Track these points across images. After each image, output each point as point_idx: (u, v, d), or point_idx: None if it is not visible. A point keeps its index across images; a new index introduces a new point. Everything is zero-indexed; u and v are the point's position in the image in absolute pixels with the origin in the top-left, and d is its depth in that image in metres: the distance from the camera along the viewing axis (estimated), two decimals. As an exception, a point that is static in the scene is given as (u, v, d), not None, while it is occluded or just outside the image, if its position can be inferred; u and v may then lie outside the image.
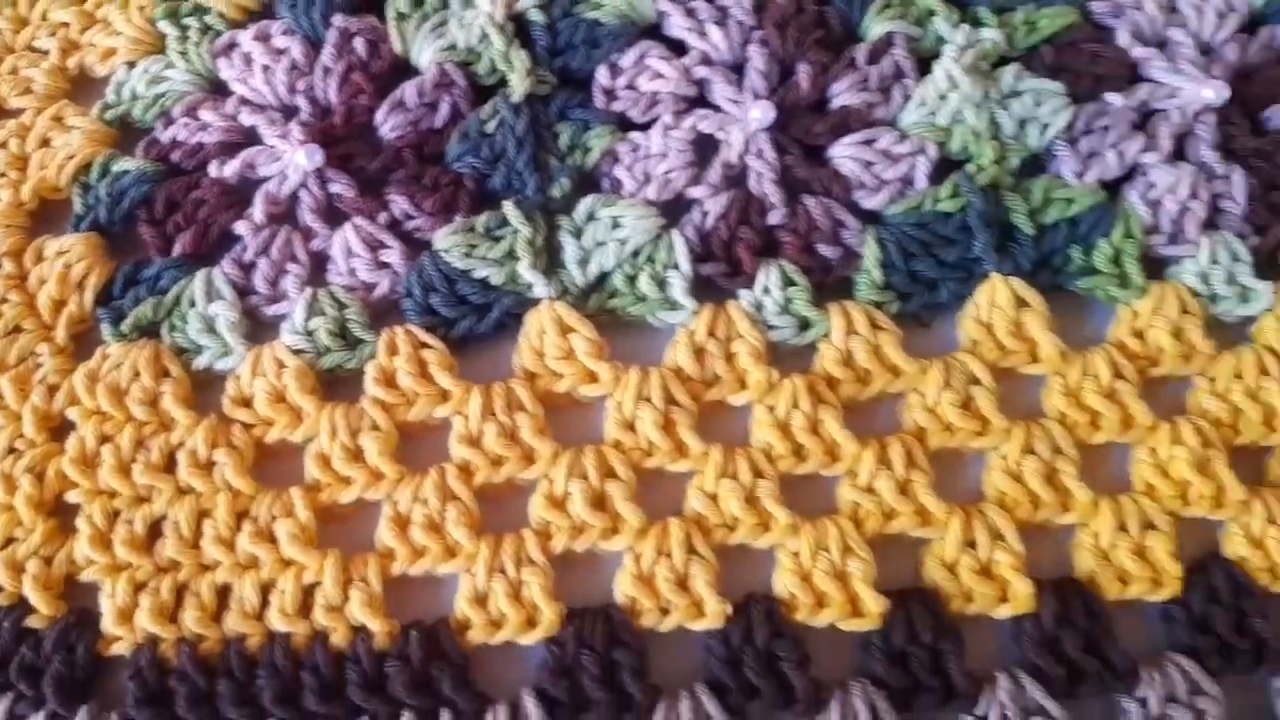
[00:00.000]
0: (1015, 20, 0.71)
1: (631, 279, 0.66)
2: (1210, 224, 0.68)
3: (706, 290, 0.67)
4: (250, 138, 0.69)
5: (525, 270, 0.65)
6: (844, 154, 0.68)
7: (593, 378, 0.64)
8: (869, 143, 0.68)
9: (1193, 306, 0.67)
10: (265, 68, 0.70)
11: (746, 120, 0.68)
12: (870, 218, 0.68)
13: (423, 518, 0.61)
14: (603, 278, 0.67)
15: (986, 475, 0.63)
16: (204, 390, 0.65)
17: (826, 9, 0.71)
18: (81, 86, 0.75)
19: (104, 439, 0.63)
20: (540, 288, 0.65)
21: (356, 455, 0.62)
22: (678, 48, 0.70)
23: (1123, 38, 0.71)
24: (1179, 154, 0.69)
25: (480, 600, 0.60)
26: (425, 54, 0.70)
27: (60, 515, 0.62)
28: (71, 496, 0.62)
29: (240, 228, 0.67)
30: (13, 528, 0.61)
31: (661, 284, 0.66)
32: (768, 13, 0.70)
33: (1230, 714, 0.59)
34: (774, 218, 0.67)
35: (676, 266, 0.66)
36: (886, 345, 0.65)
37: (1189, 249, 0.67)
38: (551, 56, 0.70)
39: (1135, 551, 0.61)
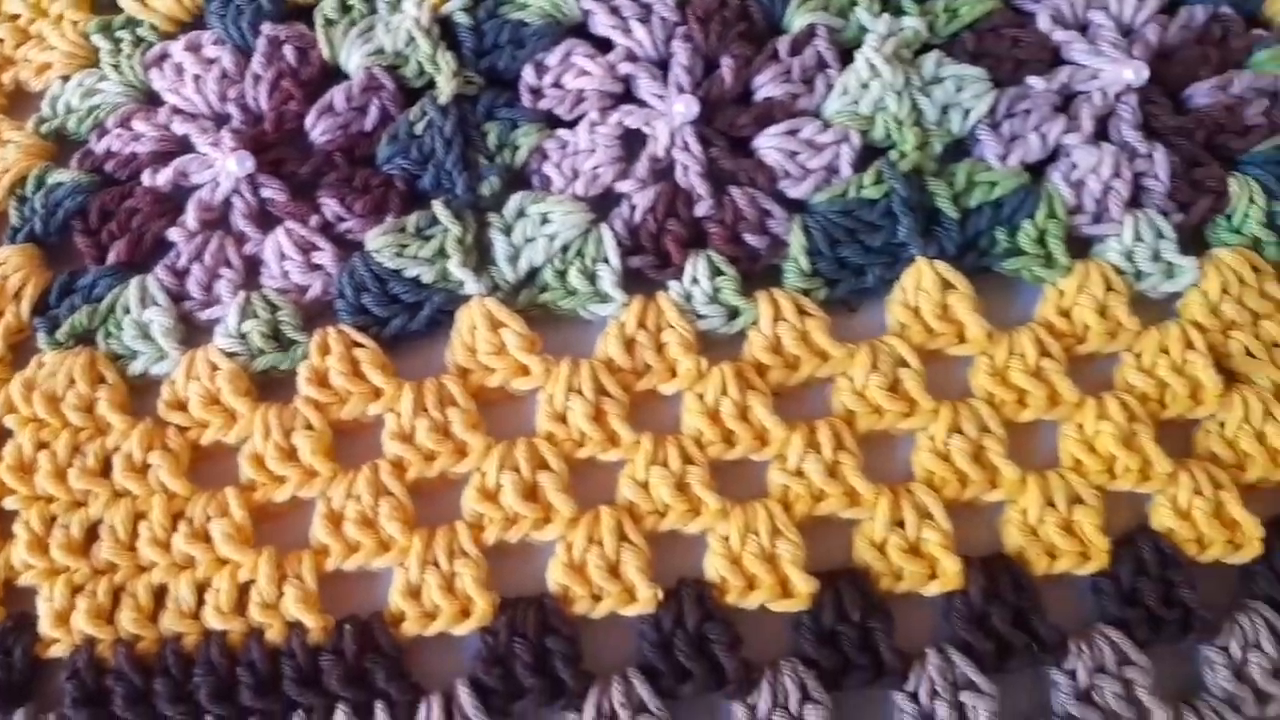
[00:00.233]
0: (937, 8, 0.72)
1: (562, 273, 0.67)
2: (1134, 202, 0.69)
3: (636, 283, 0.67)
4: (183, 146, 0.70)
5: (456, 268, 0.66)
6: (769, 145, 0.69)
7: (524, 371, 0.65)
8: (793, 133, 0.69)
9: (1118, 284, 0.67)
10: (196, 77, 0.71)
11: (671, 115, 0.68)
12: (797, 206, 0.69)
13: (356, 514, 0.61)
14: (533, 273, 0.67)
15: (915, 455, 0.64)
16: (141, 395, 0.66)
17: (749, 3, 0.72)
18: (17, 101, 0.76)
19: (40, 445, 0.63)
20: (471, 285, 0.66)
21: (290, 454, 0.63)
22: (603, 45, 0.71)
23: (1044, 21, 0.72)
24: (1102, 135, 0.70)
25: (414, 593, 0.60)
26: (353, 59, 0.71)
27: (-3, 522, 0.63)
28: (8, 503, 0.62)
29: (174, 235, 0.68)
30: (-50, 535, 0.62)
31: (591, 277, 0.67)
32: (691, 8, 0.71)
33: (1159, 683, 0.60)
34: (701, 209, 0.68)
35: (605, 260, 0.67)
36: (814, 331, 0.66)
37: (1113, 228, 0.68)
38: (478, 57, 0.71)
39: (1063, 526, 0.62)
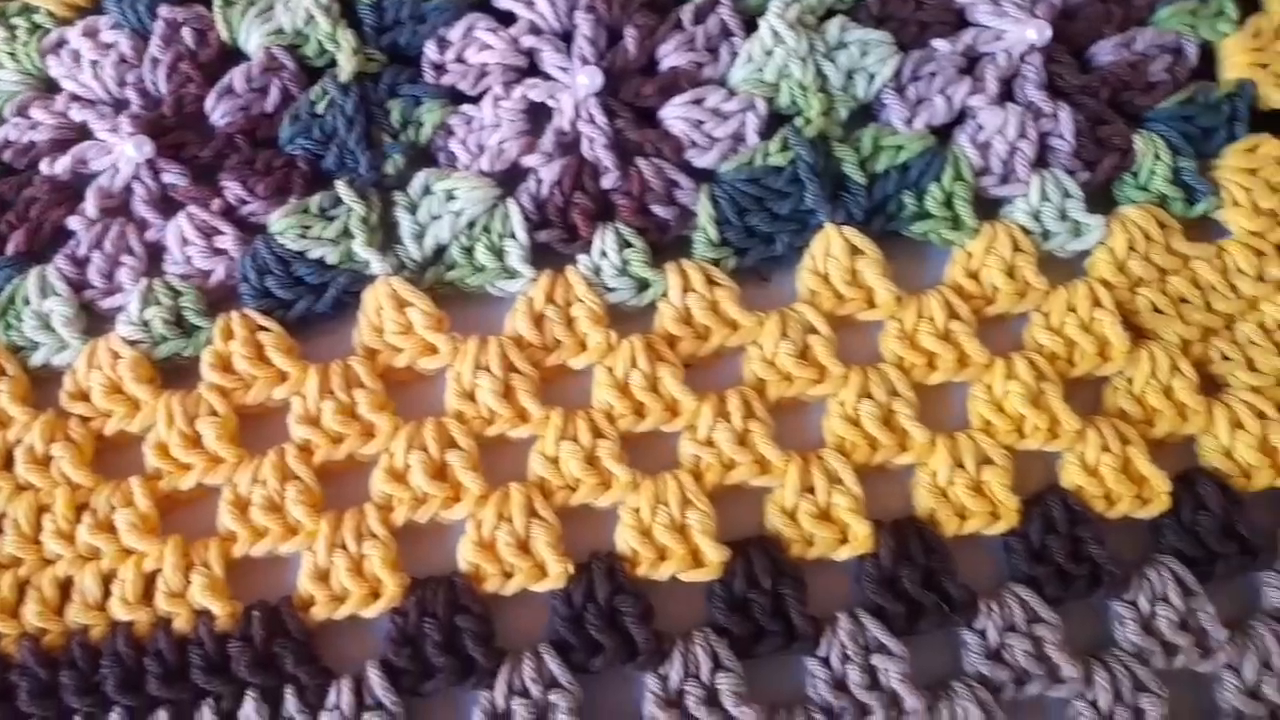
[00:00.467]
0: (841, -28, 0.72)
1: (469, 250, 0.66)
2: (1041, 162, 0.69)
3: (545, 257, 0.67)
4: (82, 133, 0.69)
5: (360, 248, 0.65)
6: (674, 115, 0.68)
7: (432, 350, 0.64)
8: (698, 102, 0.68)
9: (1025, 244, 0.68)
10: (94, 63, 0.70)
11: (575, 87, 0.68)
12: (704, 176, 0.68)
13: (262, 499, 0.61)
14: (440, 251, 0.67)
15: (825, 421, 0.64)
16: (45, 386, 0.65)
17: (654, -27, 0.71)
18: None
19: (-60, 441, 0.62)
20: (376, 264, 0.65)
21: (195, 441, 0.62)
22: (506, 19, 0.71)
23: (947, -17, 0.72)
24: (1007, 95, 0.70)
25: (322, 576, 0.60)
26: (252, 39, 0.70)
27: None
28: (-91, 499, 0.61)
29: (74, 223, 0.66)
30: None
31: (499, 253, 0.66)
32: (593, -21, 0.70)
33: (1070, 639, 0.60)
34: (608, 181, 0.67)
35: (513, 235, 0.66)
36: (723, 300, 0.66)
37: (1020, 188, 0.68)
38: (379, 34, 0.70)
39: (972, 487, 0.62)
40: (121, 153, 0.67)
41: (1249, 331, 0.67)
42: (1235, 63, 0.71)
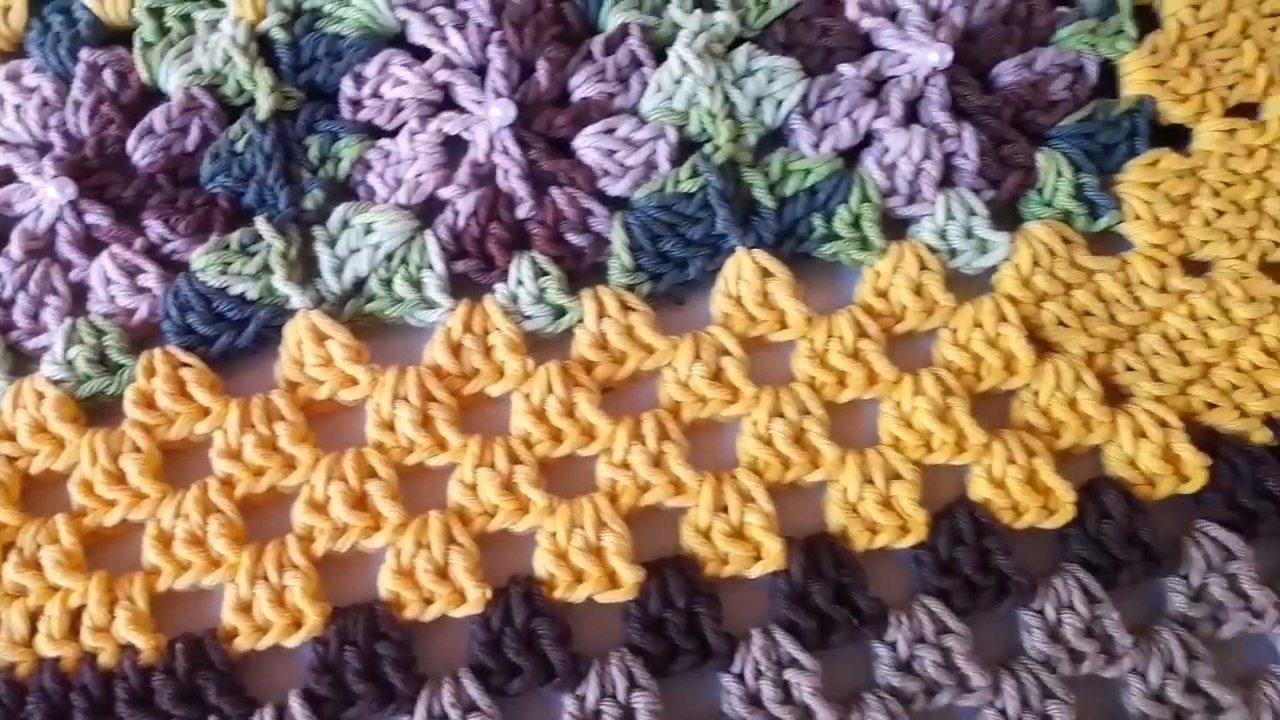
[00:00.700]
0: (748, 1, 0.73)
1: (387, 282, 0.68)
2: (946, 182, 0.71)
3: (464, 287, 0.68)
4: (6, 176, 0.70)
5: (280, 282, 0.67)
6: (586, 144, 0.70)
7: (352, 382, 0.66)
8: (610, 131, 0.70)
9: (931, 263, 0.69)
10: (17, 107, 0.71)
11: (489, 119, 0.69)
12: (619, 204, 0.70)
13: (185, 533, 0.62)
14: (360, 284, 0.68)
15: (739, 441, 0.65)
16: (-29, 428, 0.66)
17: (564, 5, 0.73)
18: None
19: None
20: (296, 298, 0.67)
21: (118, 478, 0.63)
22: (422, 54, 0.72)
23: (852, 10, 0.73)
24: (913, 117, 0.72)
25: (245, 608, 0.61)
26: (172, 79, 0.71)
27: None
28: None
29: (-1, 265, 0.68)
30: None
31: (417, 285, 0.68)
32: (506, 13, 0.72)
33: (980, 649, 0.62)
34: (523, 211, 0.69)
35: (431, 266, 0.68)
36: (638, 325, 0.67)
37: (926, 208, 0.70)
38: (296, 72, 0.72)
39: (881, 502, 0.64)
40: (45, 195, 0.68)
41: (1152, 342, 0.68)
42: (1135, 79, 0.73)
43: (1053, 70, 0.72)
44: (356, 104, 0.71)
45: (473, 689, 0.60)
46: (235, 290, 0.67)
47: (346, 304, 0.67)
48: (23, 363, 0.67)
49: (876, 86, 0.72)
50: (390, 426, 0.65)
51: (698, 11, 0.72)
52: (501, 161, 0.69)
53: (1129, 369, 0.68)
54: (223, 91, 0.71)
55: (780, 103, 0.71)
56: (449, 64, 0.71)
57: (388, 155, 0.70)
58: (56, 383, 0.65)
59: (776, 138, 0.72)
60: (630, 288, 0.68)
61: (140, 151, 0.70)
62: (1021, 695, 0.61)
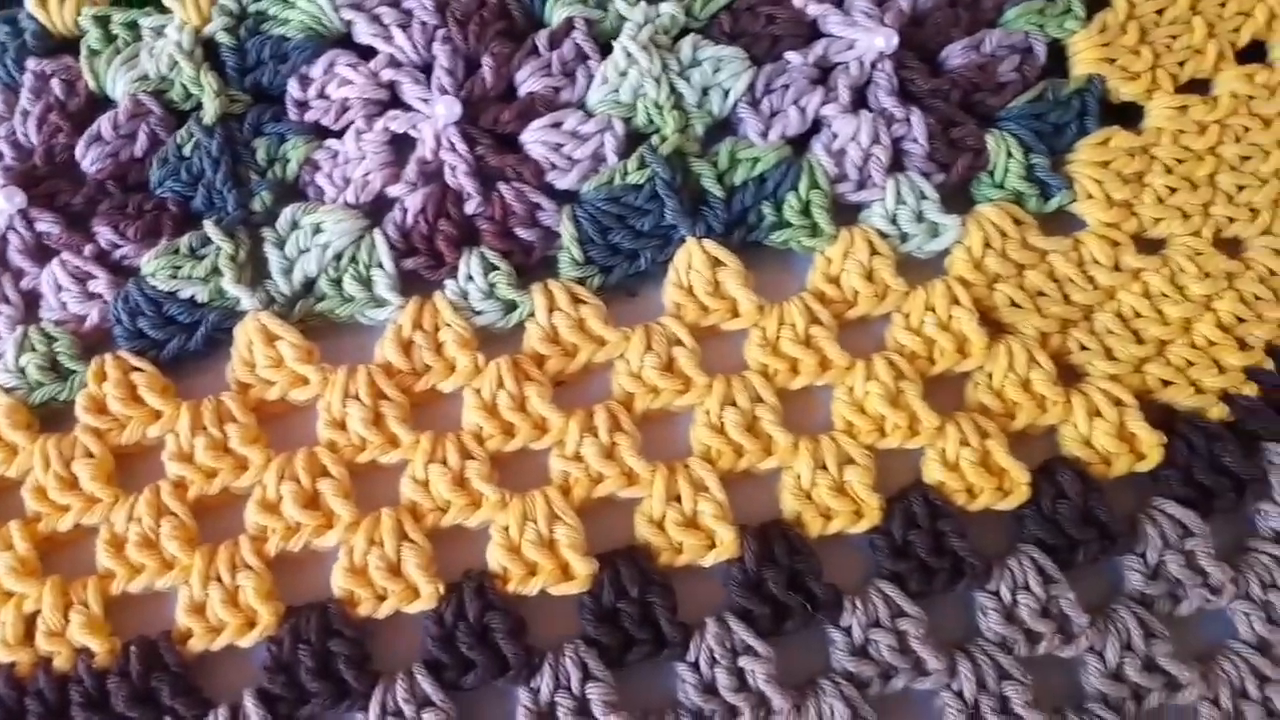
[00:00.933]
0: (693, -9, 0.73)
1: (337, 282, 0.68)
2: (896, 166, 0.71)
3: (414, 285, 0.68)
4: (-42, 188, 0.70)
5: (229, 285, 0.67)
6: (533, 139, 0.70)
7: (303, 381, 0.66)
8: (556, 125, 0.70)
9: (882, 247, 0.69)
10: (-35, 120, 0.71)
11: (435, 117, 0.69)
12: (568, 197, 0.70)
13: (138, 536, 0.62)
14: (310, 284, 0.68)
15: (692, 430, 0.65)
16: (-76, 438, 0.66)
17: (509, 1, 0.73)
18: None
19: None
20: (246, 300, 0.67)
21: (71, 483, 0.63)
22: (367, 53, 0.72)
23: (797, -3, 0.73)
24: (861, 103, 0.72)
25: (199, 609, 0.61)
26: (119, 86, 0.71)
27: None
28: None
29: (-51, 275, 0.68)
30: None
31: (367, 283, 0.68)
32: (450, 10, 0.72)
33: (937, 632, 0.61)
34: (471, 207, 0.69)
35: (380, 265, 0.68)
36: (589, 318, 0.67)
37: (876, 193, 0.70)
38: (242, 75, 0.72)
39: (835, 488, 0.64)
40: (-6, 204, 0.68)
41: (1106, 321, 0.68)
42: (1084, 58, 0.73)
43: (1001, 51, 0.72)
44: (303, 105, 0.71)
45: (427, 684, 0.60)
46: (185, 294, 0.67)
47: (296, 304, 0.67)
48: (-24, 374, 0.67)
49: (824, 73, 0.72)
50: (342, 425, 0.65)
51: (642, 3, 0.72)
52: (449, 158, 0.69)
53: (1083, 348, 0.68)
54: (169, 97, 0.71)
55: (727, 92, 0.71)
56: (394, 63, 0.71)
57: (335, 155, 0.70)
58: (9, 390, 0.66)
59: (725, 127, 0.72)
60: (581, 281, 0.68)
61: (89, 158, 0.70)
62: (978, 677, 0.61)
